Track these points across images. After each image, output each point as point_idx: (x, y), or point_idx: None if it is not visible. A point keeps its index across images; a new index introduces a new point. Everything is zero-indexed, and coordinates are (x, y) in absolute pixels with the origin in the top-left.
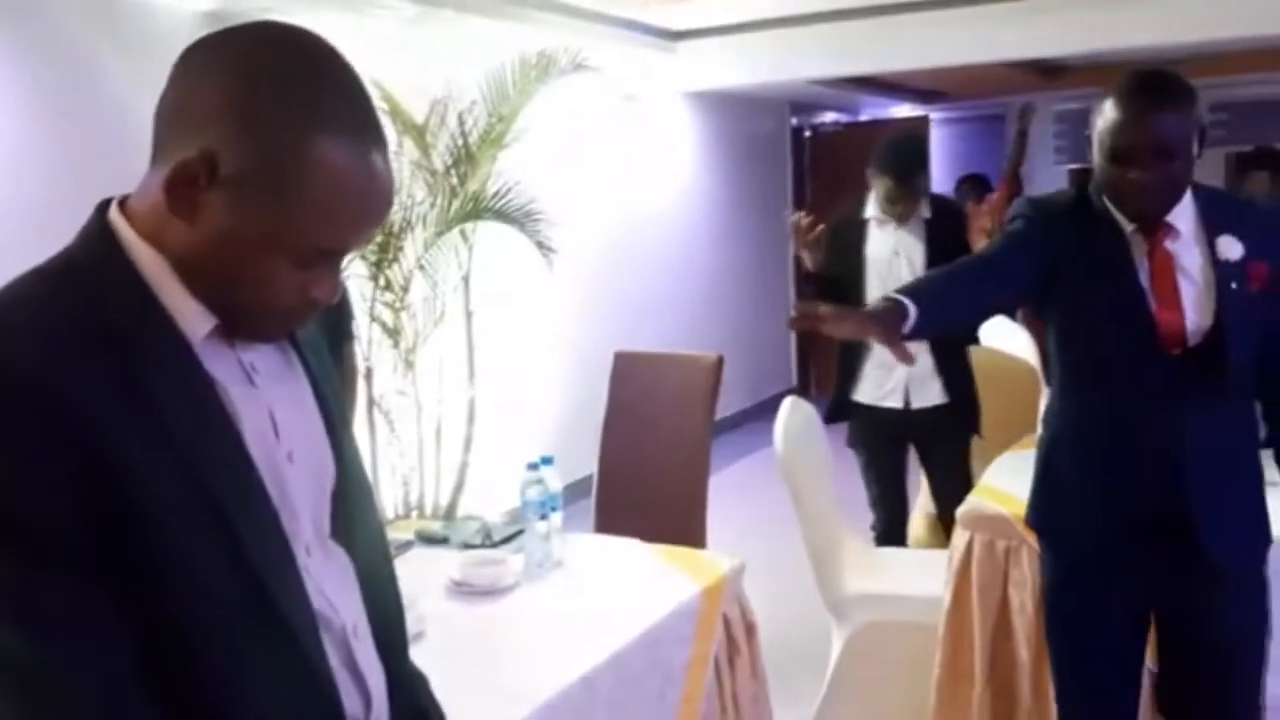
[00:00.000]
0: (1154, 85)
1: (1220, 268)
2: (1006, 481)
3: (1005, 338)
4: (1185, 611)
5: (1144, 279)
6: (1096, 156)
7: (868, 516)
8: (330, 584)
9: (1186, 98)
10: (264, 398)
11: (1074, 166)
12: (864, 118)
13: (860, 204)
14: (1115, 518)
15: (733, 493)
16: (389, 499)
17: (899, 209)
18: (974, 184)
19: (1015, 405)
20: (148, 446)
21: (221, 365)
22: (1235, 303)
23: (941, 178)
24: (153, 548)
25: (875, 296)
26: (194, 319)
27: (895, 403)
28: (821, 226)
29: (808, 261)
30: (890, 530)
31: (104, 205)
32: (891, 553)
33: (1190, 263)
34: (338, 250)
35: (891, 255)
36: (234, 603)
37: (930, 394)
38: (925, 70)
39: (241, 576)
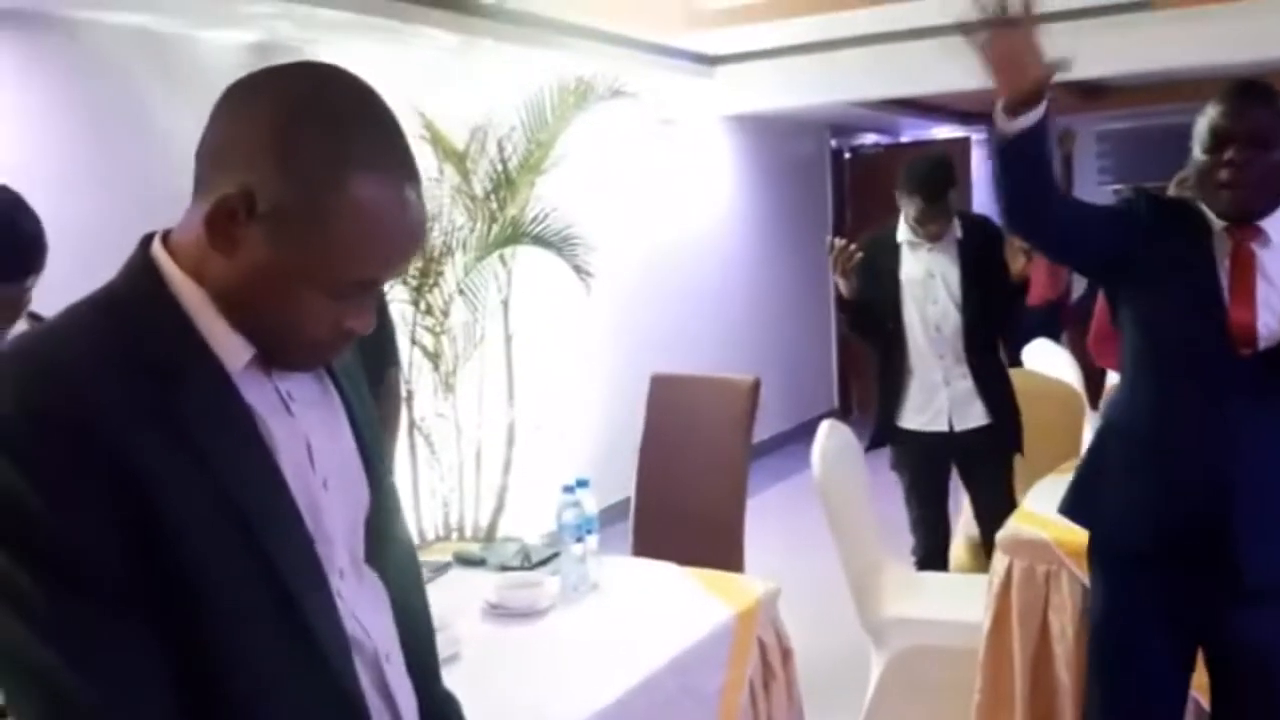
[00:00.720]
0: (1252, 87)
1: None
2: (1047, 506)
3: (1047, 359)
4: (1228, 636)
5: (1223, 276)
6: (1196, 153)
7: (908, 540)
8: (363, 608)
9: None
10: (301, 426)
11: (1118, 187)
12: (905, 139)
13: (891, 227)
14: (1151, 521)
15: (771, 516)
16: (429, 521)
17: (930, 229)
18: None
19: (1056, 428)
20: (183, 469)
21: (259, 394)
22: None
23: (983, 199)
24: (185, 568)
25: (912, 321)
26: (233, 349)
27: (941, 426)
28: (860, 255)
29: (843, 289)
30: (931, 554)
31: (148, 239)
32: (930, 577)
33: (1275, 269)
34: (371, 283)
35: (926, 277)
36: (265, 624)
37: (974, 415)
38: (966, 92)
39: (273, 597)
